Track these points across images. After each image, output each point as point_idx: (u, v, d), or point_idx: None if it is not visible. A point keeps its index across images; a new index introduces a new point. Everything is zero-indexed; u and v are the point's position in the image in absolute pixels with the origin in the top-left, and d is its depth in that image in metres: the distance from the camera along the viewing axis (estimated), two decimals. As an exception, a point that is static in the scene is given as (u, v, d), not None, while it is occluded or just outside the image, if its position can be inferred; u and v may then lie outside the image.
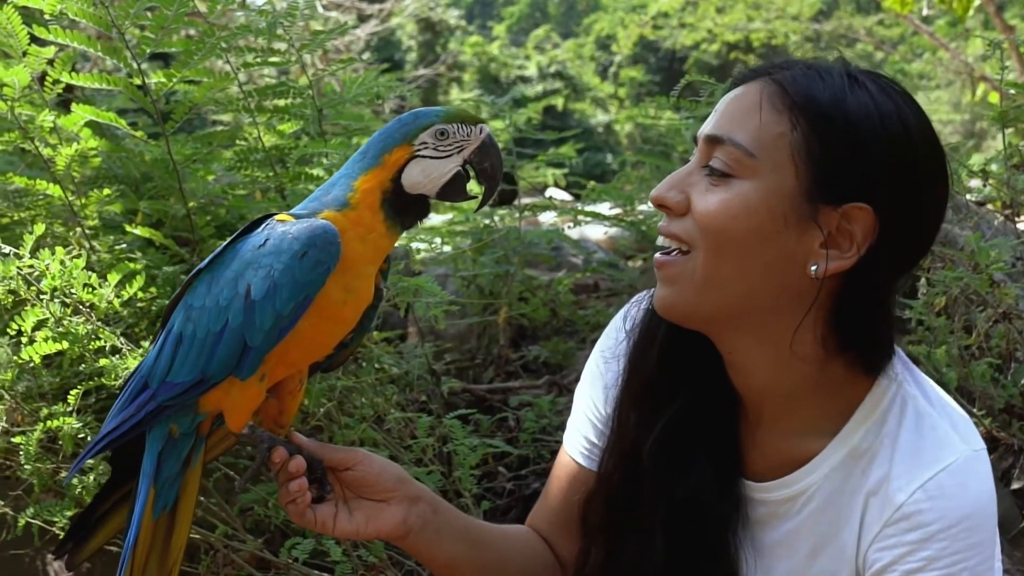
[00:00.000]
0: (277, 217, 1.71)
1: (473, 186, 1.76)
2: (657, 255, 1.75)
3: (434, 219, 5.95)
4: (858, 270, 1.65)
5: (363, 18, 19.96)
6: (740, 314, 1.70)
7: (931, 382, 1.80)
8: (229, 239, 1.74)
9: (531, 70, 36.99)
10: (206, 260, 1.75)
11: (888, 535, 1.67)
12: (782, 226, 1.63)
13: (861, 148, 1.61)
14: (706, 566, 1.83)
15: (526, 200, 5.20)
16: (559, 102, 30.60)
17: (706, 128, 1.71)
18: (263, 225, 1.71)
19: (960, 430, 1.70)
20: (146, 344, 2.69)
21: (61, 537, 2.01)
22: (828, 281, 1.66)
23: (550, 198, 6.08)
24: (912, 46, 27.36)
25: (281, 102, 3.46)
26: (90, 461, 2.63)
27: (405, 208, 1.71)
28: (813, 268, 1.64)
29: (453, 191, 1.72)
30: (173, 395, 1.68)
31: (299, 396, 1.82)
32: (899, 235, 1.65)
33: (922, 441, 1.69)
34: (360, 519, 1.81)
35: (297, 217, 1.69)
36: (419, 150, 1.68)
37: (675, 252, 1.71)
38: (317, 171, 3.41)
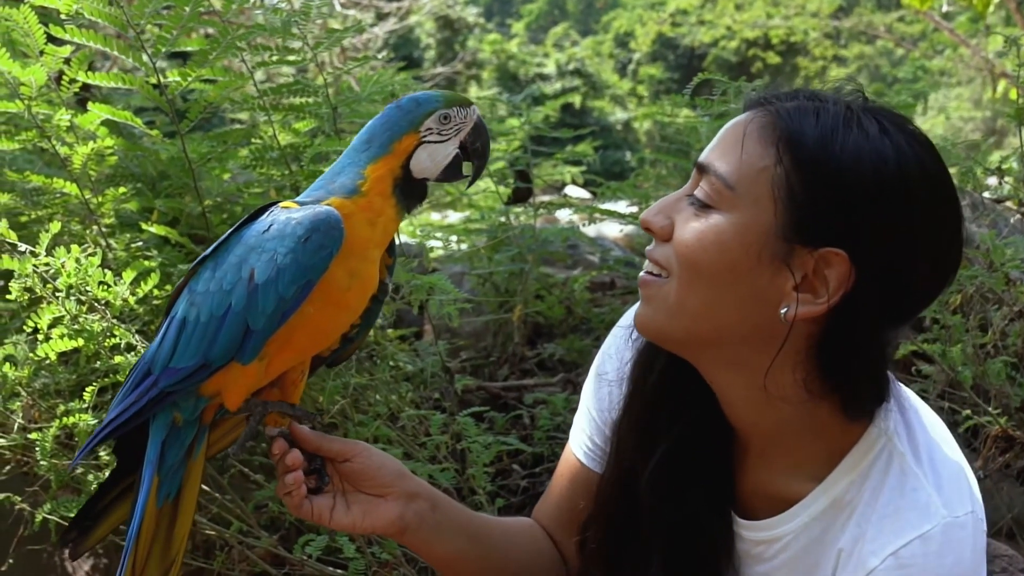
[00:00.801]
0: (281, 205, 1.74)
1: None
2: (641, 273, 1.74)
3: (451, 217, 5.97)
4: (835, 317, 1.60)
5: (381, 16, 19.96)
6: (711, 344, 1.68)
7: (930, 427, 1.73)
8: (233, 227, 1.77)
9: (550, 68, 36.97)
10: (210, 248, 1.77)
11: None
12: (755, 263, 1.60)
13: (844, 192, 1.55)
14: None
15: (544, 198, 5.20)
16: (576, 100, 30.60)
17: (699, 156, 1.69)
18: (267, 212, 1.74)
19: (945, 493, 1.62)
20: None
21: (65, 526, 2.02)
22: (805, 324, 1.61)
23: (565, 196, 6.08)
24: (933, 42, 27.16)
25: (297, 100, 3.48)
26: (104, 457, 2.65)
27: (411, 192, 1.75)
28: (783, 311, 1.59)
29: (451, 172, 1.77)
30: (175, 381, 1.70)
31: (301, 387, 1.84)
32: (882, 286, 1.58)
33: (902, 502, 1.63)
34: (357, 513, 1.82)
35: (301, 204, 1.72)
36: (425, 136, 1.73)
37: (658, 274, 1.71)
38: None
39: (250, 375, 1.71)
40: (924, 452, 1.67)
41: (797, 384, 1.65)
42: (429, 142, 1.73)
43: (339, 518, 1.81)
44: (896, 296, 1.61)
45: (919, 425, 1.71)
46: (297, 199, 1.76)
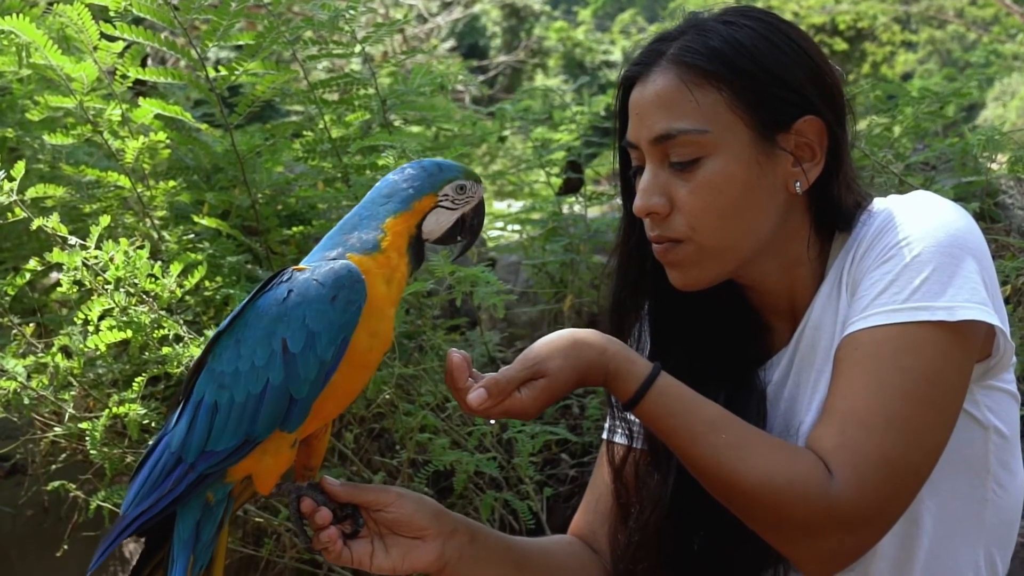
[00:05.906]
0: (294, 268, 1.72)
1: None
2: (657, 248, 1.86)
3: (515, 206, 5.97)
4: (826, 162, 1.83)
5: (447, 4, 20.00)
6: (754, 254, 1.84)
7: None
8: (247, 297, 1.74)
9: (616, 55, 36.80)
10: (225, 322, 1.75)
11: (865, 262, 1.78)
12: (759, 171, 1.79)
13: (771, 71, 1.78)
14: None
15: (603, 187, 5.17)
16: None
17: (644, 133, 1.81)
18: (279, 278, 1.72)
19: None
20: (209, 332, 2.74)
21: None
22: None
23: (616, 185, 6.04)
24: (1005, 27, 26.61)
25: (349, 93, 3.52)
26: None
27: (418, 252, 1.77)
28: (797, 184, 1.81)
29: (446, 238, 1.80)
30: (215, 462, 1.69)
31: (326, 440, 1.84)
32: (835, 113, 1.83)
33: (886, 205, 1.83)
34: (396, 556, 1.81)
35: (315, 265, 1.71)
36: (442, 201, 1.76)
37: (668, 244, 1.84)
38: (383, 160, 3.43)
39: (282, 459, 1.71)
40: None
41: (814, 235, 1.87)
42: (442, 207, 1.76)
43: (379, 562, 1.80)
44: (840, 113, 1.85)
45: None
46: (306, 261, 1.75)
